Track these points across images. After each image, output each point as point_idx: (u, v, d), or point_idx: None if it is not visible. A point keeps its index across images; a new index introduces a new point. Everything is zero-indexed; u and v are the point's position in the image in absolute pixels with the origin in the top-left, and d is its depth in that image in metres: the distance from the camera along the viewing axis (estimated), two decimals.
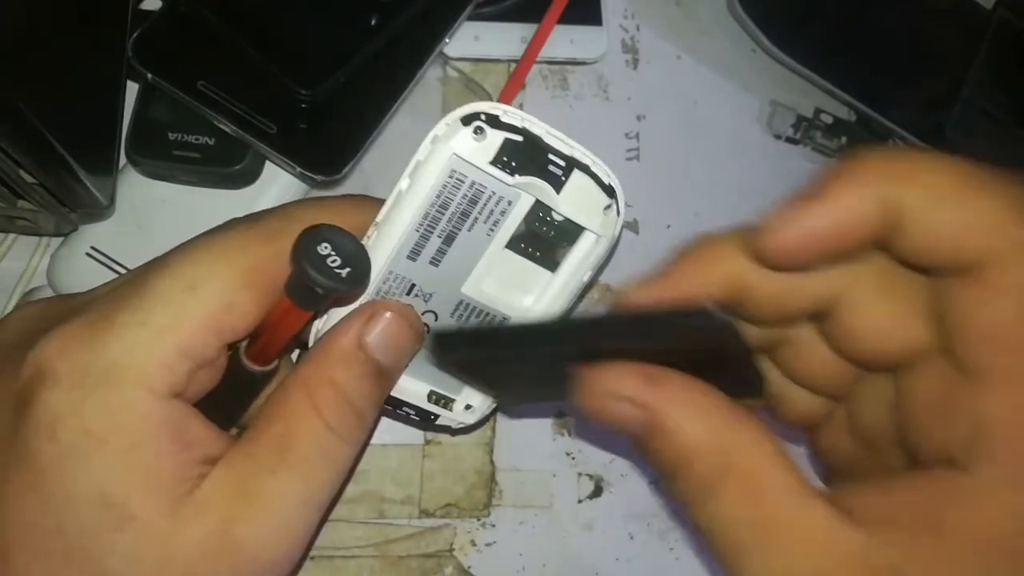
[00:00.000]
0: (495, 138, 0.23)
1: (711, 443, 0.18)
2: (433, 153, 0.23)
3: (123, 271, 0.30)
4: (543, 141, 0.23)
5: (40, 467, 0.18)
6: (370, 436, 0.24)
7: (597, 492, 0.34)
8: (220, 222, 0.31)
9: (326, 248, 0.20)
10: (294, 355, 0.29)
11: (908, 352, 0.19)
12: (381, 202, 0.23)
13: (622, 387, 0.19)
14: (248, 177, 0.31)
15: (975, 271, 0.18)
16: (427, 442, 0.33)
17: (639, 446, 0.19)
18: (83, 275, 0.30)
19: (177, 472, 0.19)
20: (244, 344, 0.22)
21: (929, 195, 0.18)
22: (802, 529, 0.17)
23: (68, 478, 0.18)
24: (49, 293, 0.31)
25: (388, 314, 0.22)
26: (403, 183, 0.23)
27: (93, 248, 0.30)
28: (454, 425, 0.27)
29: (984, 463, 0.17)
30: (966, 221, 0.18)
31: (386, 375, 0.23)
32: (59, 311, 0.21)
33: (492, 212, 0.24)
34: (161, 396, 0.19)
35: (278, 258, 0.21)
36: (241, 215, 0.24)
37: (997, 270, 0.17)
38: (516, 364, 0.22)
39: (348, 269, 0.20)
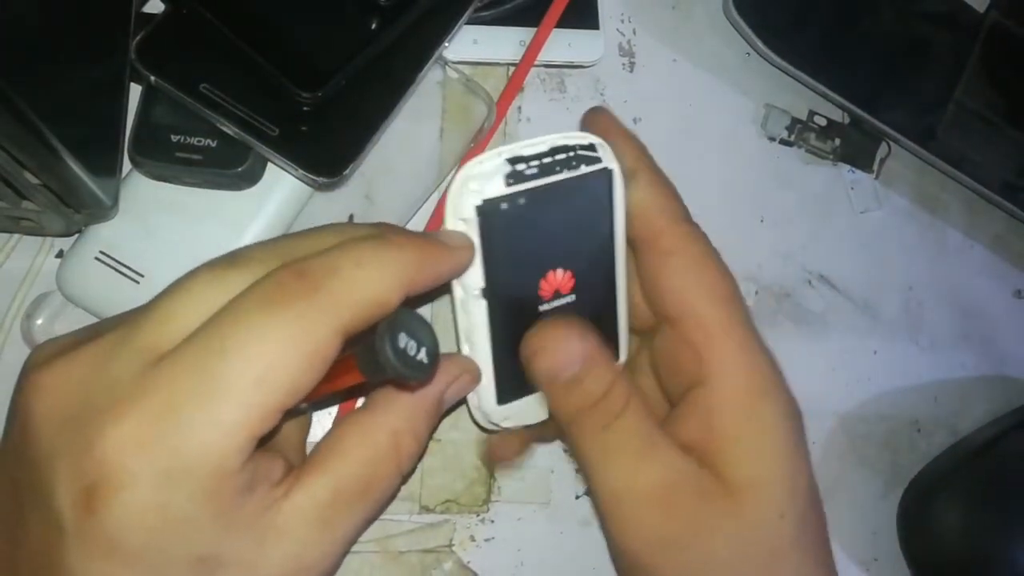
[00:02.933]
0: (498, 182, 0.24)
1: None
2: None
3: (133, 275, 0.30)
4: (525, 155, 0.25)
5: (130, 551, 0.19)
6: None
7: None
8: (226, 225, 0.31)
9: (404, 338, 0.21)
10: None
11: (651, 321, 0.28)
12: (411, 233, 0.24)
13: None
14: (250, 179, 0.31)
15: (656, 246, 0.27)
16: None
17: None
18: (93, 279, 0.30)
19: (256, 509, 0.20)
20: None
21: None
22: (661, 456, 0.25)
23: (158, 555, 0.19)
24: (59, 298, 0.31)
25: (467, 377, 0.26)
26: (457, 292, 0.26)
27: (102, 252, 0.30)
28: None
29: (707, 375, 0.25)
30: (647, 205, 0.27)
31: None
32: (101, 393, 0.20)
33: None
34: (235, 471, 0.20)
35: (343, 335, 0.21)
36: (271, 240, 0.24)
37: (667, 239, 0.26)
38: None
39: (425, 359, 0.22)
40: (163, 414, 0.19)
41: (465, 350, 0.27)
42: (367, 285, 0.21)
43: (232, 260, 0.22)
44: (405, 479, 0.25)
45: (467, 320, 0.26)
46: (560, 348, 0.25)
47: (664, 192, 0.28)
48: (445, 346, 0.23)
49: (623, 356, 0.29)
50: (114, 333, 0.21)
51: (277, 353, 0.19)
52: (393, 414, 0.24)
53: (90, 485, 0.18)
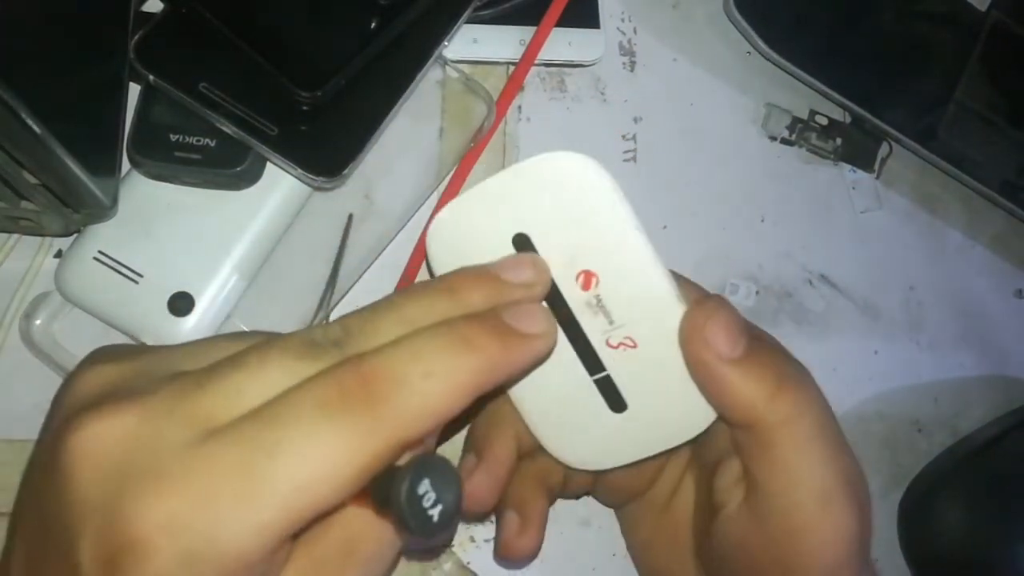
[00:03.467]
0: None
1: None
2: None
3: (132, 275, 0.30)
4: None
5: None
6: None
7: None
8: (225, 225, 0.31)
9: (427, 485, 0.19)
10: None
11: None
12: (490, 322, 0.22)
13: None
14: (249, 178, 0.31)
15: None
16: None
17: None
18: (92, 279, 0.30)
19: None
20: None
21: None
22: None
23: None
24: (58, 298, 0.31)
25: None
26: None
27: (101, 252, 0.30)
28: None
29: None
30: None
31: None
32: (148, 458, 0.19)
33: None
34: (257, 563, 0.19)
35: (400, 450, 0.20)
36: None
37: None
38: None
39: (436, 516, 0.19)
40: (202, 502, 0.18)
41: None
42: (434, 400, 0.19)
43: (309, 350, 0.20)
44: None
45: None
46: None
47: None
48: None
49: (681, 306, 0.25)
50: (172, 390, 0.20)
51: (327, 464, 0.18)
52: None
53: (116, 550, 0.18)
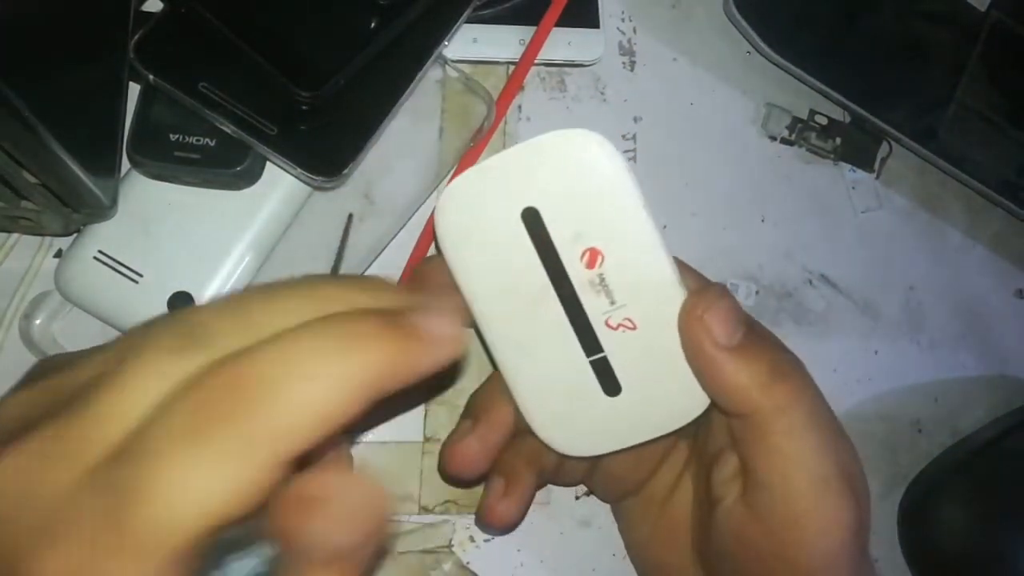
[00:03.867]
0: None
1: None
2: None
3: (131, 274, 0.30)
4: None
5: None
6: None
7: None
8: (225, 224, 0.31)
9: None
10: None
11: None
12: (388, 320, 0.19)
13: None
14: (249, 178, 0.31)
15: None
16: (427, 439, 0.34)
17: None
18: (92, 279, 0.30)
19: None
20: None
21: None
22: None
23: None
24: (57, 298, 0.31)
25: None
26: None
27: (100, 252, 0.30)
28: None
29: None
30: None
31: None
32: (31, 512, 0.17)
33: None
34: None
35: (284, 466, 0.17)
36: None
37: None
38: None
39: None
40: (88, 558, 0.17)
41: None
42: (317, 406, 0.17)
43: (183, 344, 0.18)
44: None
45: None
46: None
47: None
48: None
49: (682, 292, 0.26)
50: (56, 424, 0.18)
51: (199, 495, 0.16)
52: None
53: None
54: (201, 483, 0.16)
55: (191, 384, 0.17)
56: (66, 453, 0.17)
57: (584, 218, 0.25)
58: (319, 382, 0.17)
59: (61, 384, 0.19)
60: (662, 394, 0.26)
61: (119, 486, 0.17)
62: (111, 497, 0.17)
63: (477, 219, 0.25)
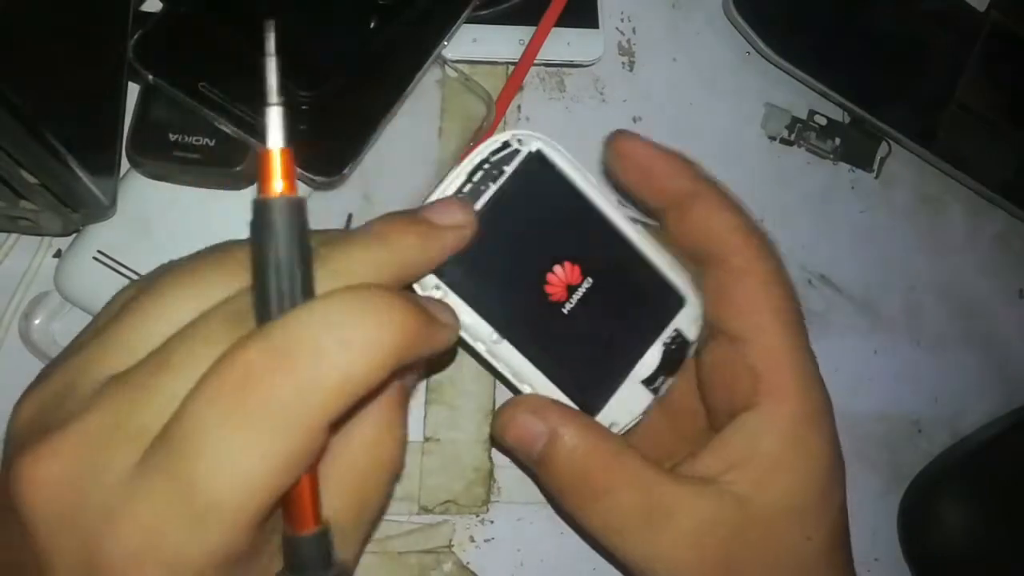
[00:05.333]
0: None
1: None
2: None
3: (131, 274, 0.30)
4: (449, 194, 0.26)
5: None
6: None
7: None
8: (225, 224, 0.31)
9: None
10: None
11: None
12: (405, 295, 0.21)
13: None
14: (248, 178, 0.31)
15: (727, 264, 0.26)
16: (426, 439, 0.34)
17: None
18: (91, 279, 0.30)
19: None
20: None
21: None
22: (677, 506, 0.25)
23: None
24: (57, 298, 0.31)
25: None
26: (478, 347, 0.26)
27: (100, 252, 0.30)
28: None
29: (763, 398, 0.26)
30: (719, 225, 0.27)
31: None
32: (94, 493, 0.18)
33: None
34: (221, 568, 0.19)
35: (328, 430, 0.19)
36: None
37: (739, 258, 0.26)
38: None
39: None
40: (158, 534, 0.18)
41: (526, 390, 0.27)
42: (357, 371, 0.18)
43: (236, 325, 0.19)
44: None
45: (507, 366, 0.26)
46: (521, 424, 0.26)
47: (732, 207, 0.27)
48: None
49: (691, 296, 0.28)
50: (102, 410, 0.19)
51: (257, 468, 0.18)
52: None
53: None
54: (248, 460, 0.18)
55: (228, 355, 0.18)
56: (123, 439, 0.18)
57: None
58: (358, 349, 0.18)
59: (86, 371, 0.20)
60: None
61: (177, 466, 0.18)
62: (172, 477, 0.18)
63: None
